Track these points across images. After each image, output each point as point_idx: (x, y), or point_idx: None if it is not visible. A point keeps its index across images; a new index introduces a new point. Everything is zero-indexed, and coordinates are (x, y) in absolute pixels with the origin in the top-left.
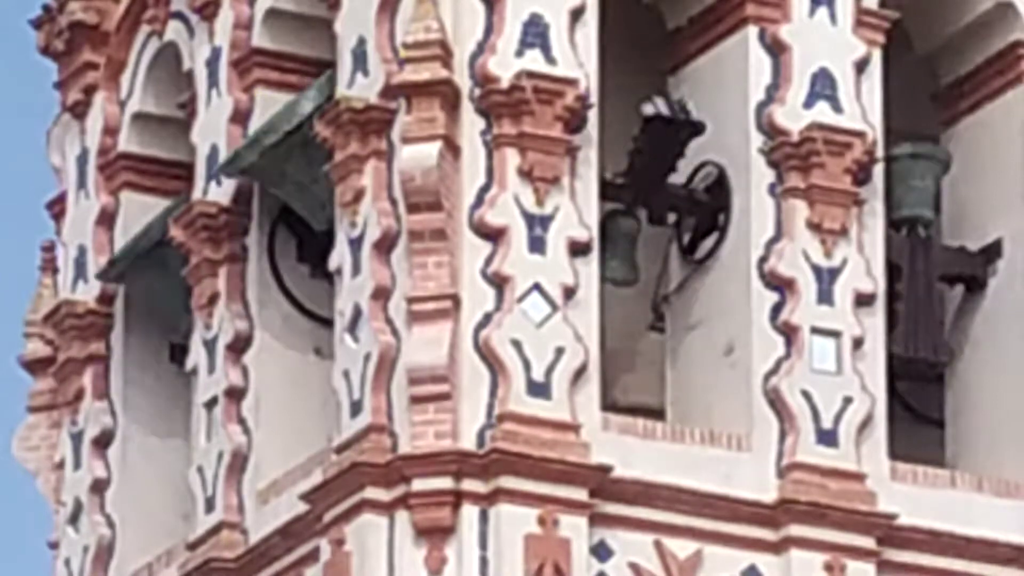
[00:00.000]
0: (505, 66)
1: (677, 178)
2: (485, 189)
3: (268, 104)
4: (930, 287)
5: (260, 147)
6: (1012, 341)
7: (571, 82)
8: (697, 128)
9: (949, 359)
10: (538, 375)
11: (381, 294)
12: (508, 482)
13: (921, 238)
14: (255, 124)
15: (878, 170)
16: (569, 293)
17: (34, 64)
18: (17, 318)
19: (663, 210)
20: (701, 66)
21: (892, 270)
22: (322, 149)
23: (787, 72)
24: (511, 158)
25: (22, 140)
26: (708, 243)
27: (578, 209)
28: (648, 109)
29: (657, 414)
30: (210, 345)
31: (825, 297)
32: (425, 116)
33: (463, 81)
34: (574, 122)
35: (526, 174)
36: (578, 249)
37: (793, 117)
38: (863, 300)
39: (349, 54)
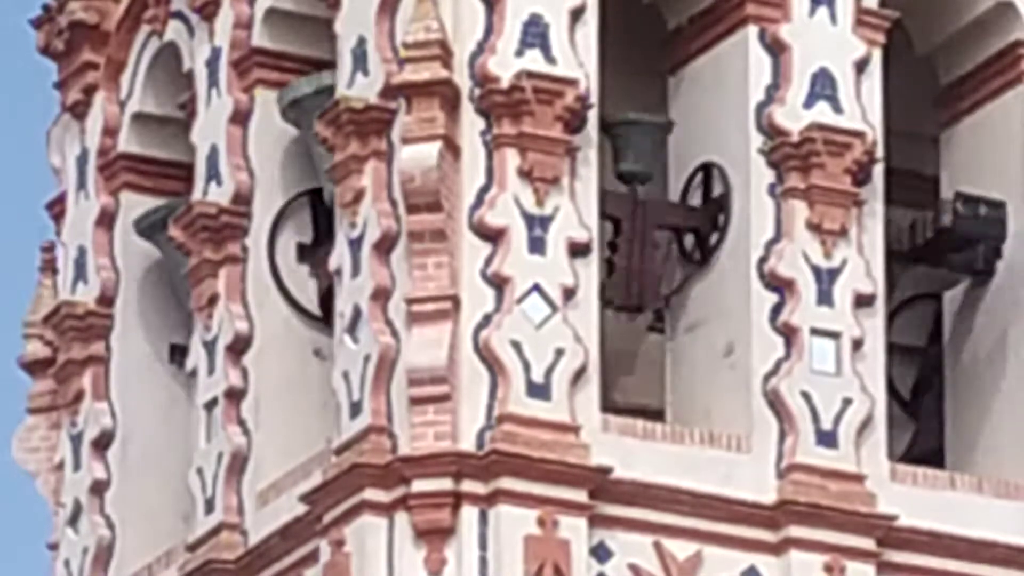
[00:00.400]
0: (505, 66)
1: (677, 178)
2: (485, 189)
3: (268, 104)
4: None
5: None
6: (1012, 341)
7: (571, 82)
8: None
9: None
10: (538, 376)
11: (381, 295)
12: (508, 483)
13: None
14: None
15: (878, 170)
16: (569, 294)
17: (34, 64)
18: (17, 319)
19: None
20: (701, 66)
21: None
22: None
23: (787, 72)
24: (511, 158)
25: (22, 140)
26: (708, 243)
27: (578, 209)
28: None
29: (657, 415)
30: (210, 346)
31: (825, 298)
32: (425, 116)
33: (463, 81)
34: (574, 122)
35: (526, 174)
36: (578, 250)
37: (793, 117)
38: (863, 301)
39: (349, 54)
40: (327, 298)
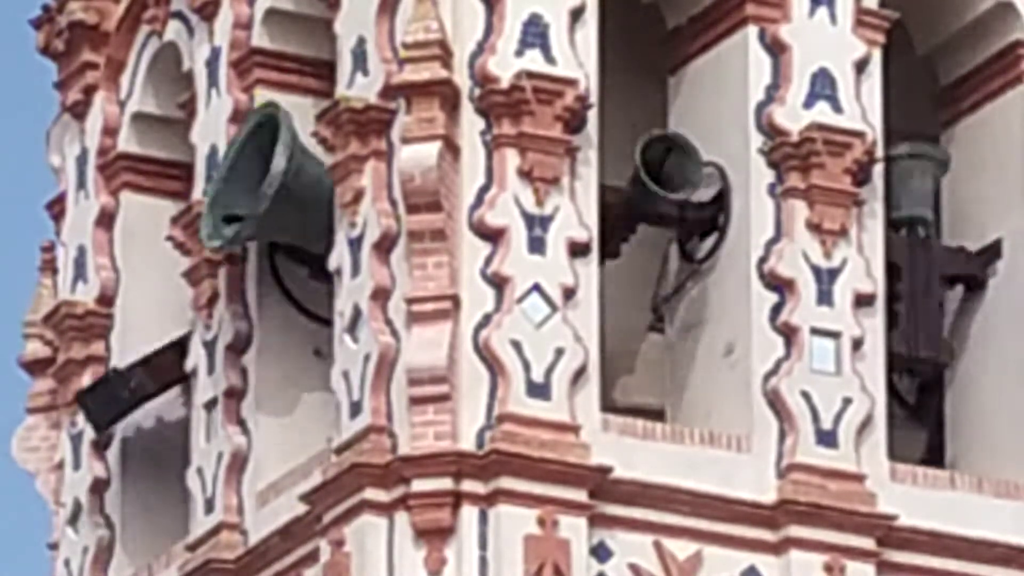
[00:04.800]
0: (505, 66)
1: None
2: (485, 189)
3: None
4: (930, 287)
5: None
6: (1012, 341)
7: (571, 82)
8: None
9: (950, 358)
10: (538, 376)
11: (381, 295)
12: (508, 483)
13: (920, 238)
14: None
15: (878, 170)
16: (569, 294)
17: (34, 64)
18: (17, 319)
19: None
20: (701, 66)
21: (892, 271)
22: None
23: (787, 72)
24: (511, 158)
25: (22, 140)
26: (708, 243)
27: (578, 210)
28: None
29: (657, 415)
30: (210, 346)
31: (825, 298)
32: (425, 116)
33: (463, 81)
34: (574, 122)
35: (526, 174)
36: (578, 249)
37: (793, 117)
38: (863, 301)
39: (349, 54)
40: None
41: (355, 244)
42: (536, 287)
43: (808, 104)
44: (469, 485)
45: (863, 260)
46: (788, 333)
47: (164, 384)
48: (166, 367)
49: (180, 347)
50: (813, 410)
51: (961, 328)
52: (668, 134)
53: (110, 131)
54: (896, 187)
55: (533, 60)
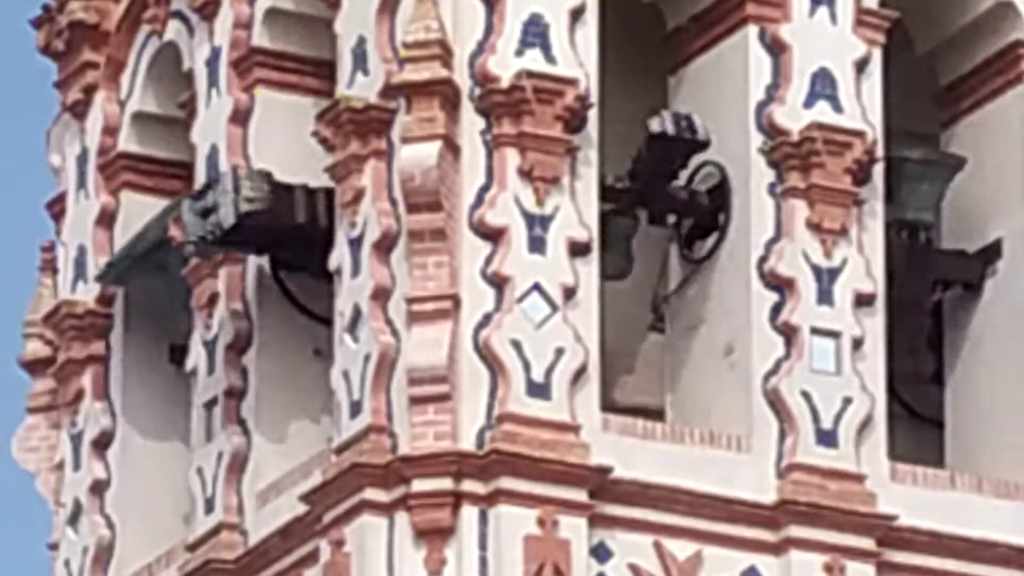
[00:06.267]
0: (505, 66)
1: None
2: (485, 189)
3: (269, 105)
4: (923, 292)
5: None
6: (1011, 341)
7: (571, 82)
8: (700, 145)
9: (935, 365)
10: (538, 376)
11: (381, 294)
12: (508, 483)
13: (920, 244)
14: None
15: (878, 170)
16: (569, 293)
17: (34, 64)
18: (17, 318)
19: (663, 213)
20: (701, 66)
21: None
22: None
23: (787, 72)
24: (511, 158)
25: (22, 140)
26: (708, 243)
27: (578, 209)
28: (654, 126)
29: (657, 415)
30: (210, 345)
31: (825, 297)
32: (425, 116)
33: (463, 81)
34: (574, 122)
35: (526, 174)
36: (578, 249)
37: (793, 117)
38: (863, 300)
39: (349, 54)
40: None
41: (355, 244)
42: (536, 287)
43: (808, 104)
44: (469, 485)
45: (863, 260)
46: (788, 333)
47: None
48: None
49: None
50: (813, 410)
51: (960, 328)
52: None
53: (110, 131)
54: (904, 189)
55: (533, 60)
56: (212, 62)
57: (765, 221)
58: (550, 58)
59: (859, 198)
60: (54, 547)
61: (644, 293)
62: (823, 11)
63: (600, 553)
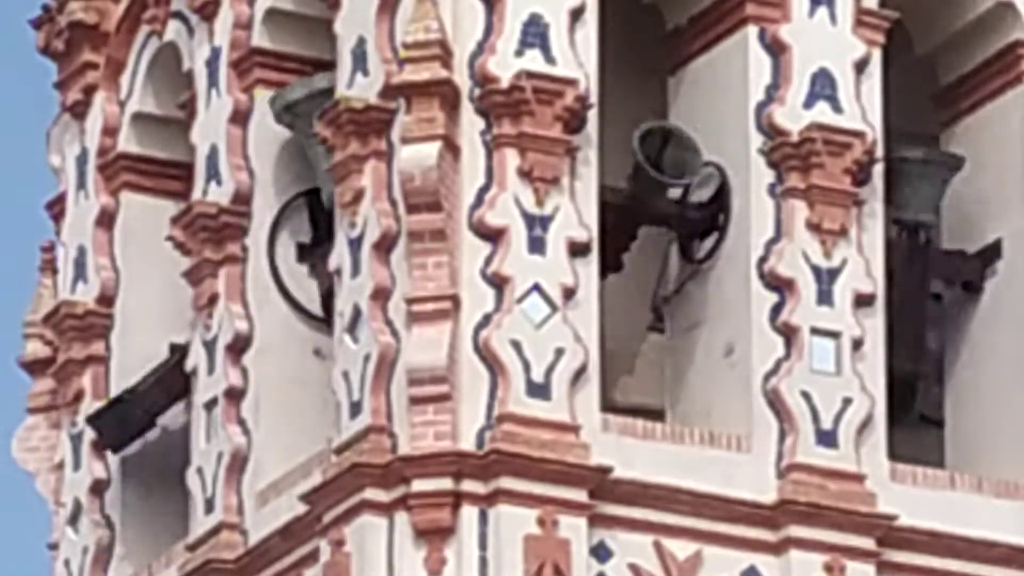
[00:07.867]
0: (505, 66)
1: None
2: (485, 189)
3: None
4: (922, 292)
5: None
6: (1011, 341)
7: (571, 82)
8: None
9: (932, 367)
10: (538, 376)
11: (381, 295)
12: (508, 483)
13: (919, 242)
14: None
15: (878, 170)
16: (569, 294)
17: (34, 64)
18: (17, 319)
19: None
20: (701, 66)
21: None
22: None
23: (787, 72)
24: (511, 158)
25: (22, 140)
26: (708, 243)
27: (578, 209)
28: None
29: (657, 415)
30: (210, 345)
31: (825, 298)
32: (425, 116)
33: (463, 81)
34: (574, 122)
35: (526, 174)
36: (578, 249)
37: (793, 117)
38: (863, 301)
39: (349, 54)
40: (328, 298)
41: (355, 244)
42: (536, 287)
43: (808, 104)
44: (469, 485)
45: (863, 260)
46: (788, 333)
47: (173, 397)
48: (174, 379)
49: (183, 355)
50: (813, 410)
51: (960, 328)
52: (664, 126)
53: (110, 131)
54: (904, 189)
55: (533, 60)
56: (212, 62)
57: (765, 221)
58: (550, 58)
59: (859, 198)
60: (54, 547)
61: (644, 293)
62: (823, 11)
63: (600, 553)
